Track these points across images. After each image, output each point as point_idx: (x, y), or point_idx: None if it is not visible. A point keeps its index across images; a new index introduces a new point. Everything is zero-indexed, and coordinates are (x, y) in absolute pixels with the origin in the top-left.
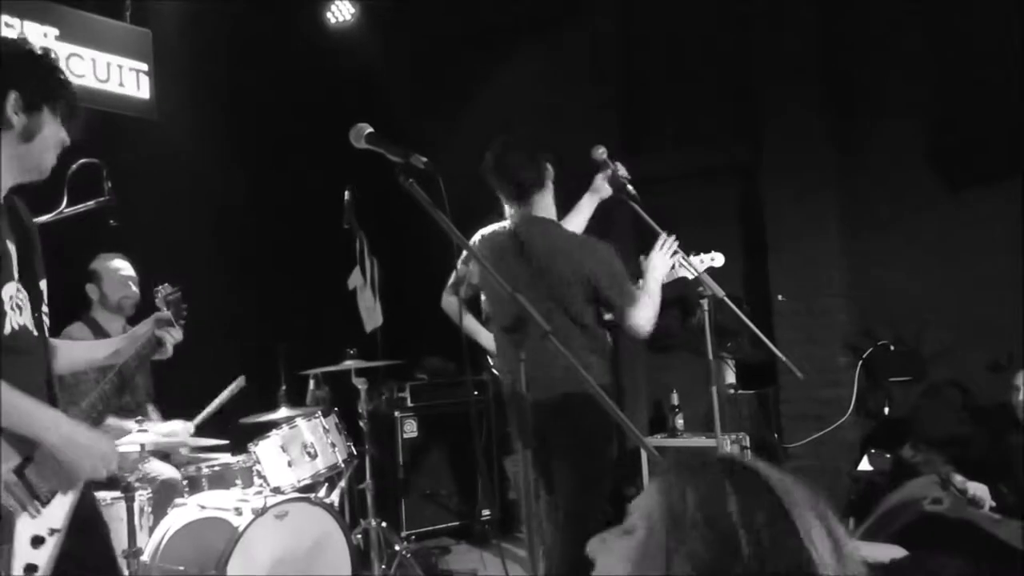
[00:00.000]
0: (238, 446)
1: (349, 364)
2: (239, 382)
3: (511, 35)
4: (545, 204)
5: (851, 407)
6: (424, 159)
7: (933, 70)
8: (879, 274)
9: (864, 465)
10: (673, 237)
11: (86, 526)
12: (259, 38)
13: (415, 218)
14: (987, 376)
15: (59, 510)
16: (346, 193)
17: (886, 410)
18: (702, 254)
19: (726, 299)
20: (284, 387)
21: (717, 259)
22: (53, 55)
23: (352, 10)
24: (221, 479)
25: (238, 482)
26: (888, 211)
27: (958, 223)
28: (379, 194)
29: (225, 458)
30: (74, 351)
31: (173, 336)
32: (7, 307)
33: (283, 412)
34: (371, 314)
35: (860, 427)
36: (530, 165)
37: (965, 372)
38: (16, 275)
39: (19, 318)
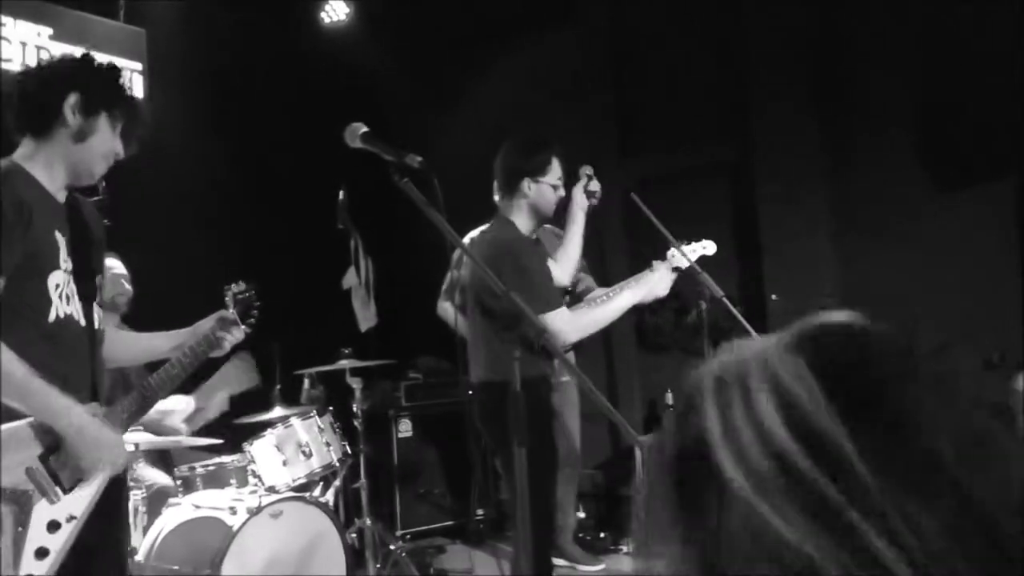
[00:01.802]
0: (232, 445)
1: (344, 364)
2: (244, 363)
3: (504, 35)
4: (511, 209)
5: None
6: (419, 159)
7: (923, 71)
8: (871, 274)
9: None
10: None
11: (105, 519)
12: (253, 37)
13: (409, 218)
14: (980, 375)
15: (81, 499)
16: (340, 193)
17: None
18: (693, 243)
19: (724, 299)
20: (279, 386)
21: (709, 247)
22: (120, 72)
23: (346, 10)
24: (215, 478)
25: (233, 481)
26: (880, 211)
27: (949, 223)
28: (373, 194)
29: (219, 457)
30: (137, 343)
31: (235, 336)
32: (53, 295)
33: (278, 411)
34: (366, 314)
35: None
36: (500, 177)
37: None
38: (64, 266)
39: (66, 307)
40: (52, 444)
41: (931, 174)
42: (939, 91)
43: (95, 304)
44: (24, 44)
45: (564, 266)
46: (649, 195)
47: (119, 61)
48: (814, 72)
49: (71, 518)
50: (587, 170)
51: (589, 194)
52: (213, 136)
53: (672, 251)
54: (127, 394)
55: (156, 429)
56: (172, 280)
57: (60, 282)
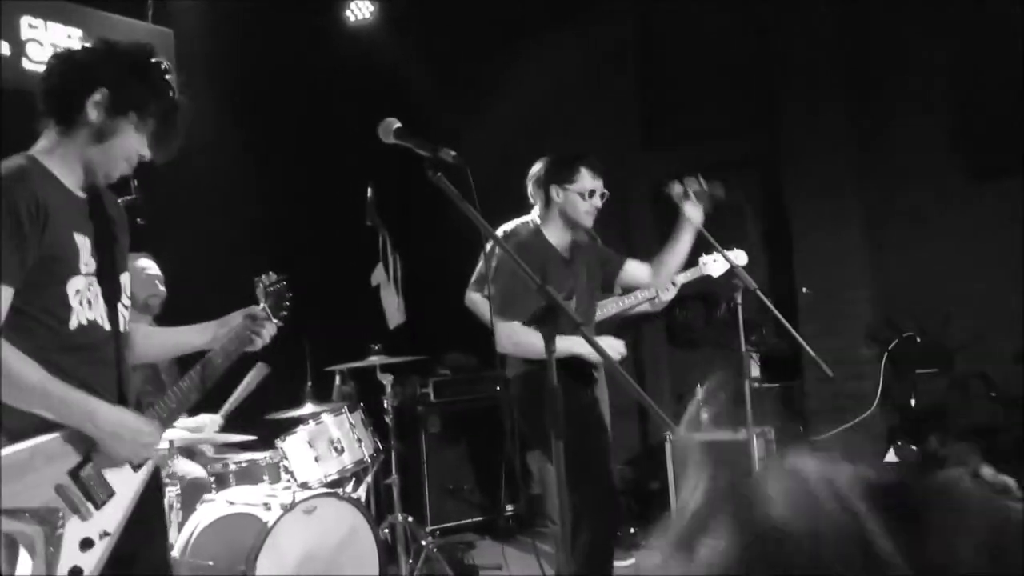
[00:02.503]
0: (265, 442)
1: (374, 360)
2: (260, 368)
3: (528, 31)
4: (544, 217)
5: (877, 399)
6: (453, 153)
7: (955, 60)
8: (903, 265)
9: (890, 457)
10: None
11: (143, 530)
12: (279, 37)
13: (437, 214)
14: (1014, 366)
15: (114, 513)
16: (368, 190)
17: (912, 402)
18: (725, 252)
19: (759, 292)
20: (310, 383)
21: (740, 257)
22: (166, 69)
23: (371, 8)
24: (248, 475)
25: (265, 478)
26: (911, 202)
27: (982, 213)
28: (401, 191)
29: (252, 454)
30: (165, 337)
31: (268, 331)
32: (72, 302)
33: (309, 408)
34: (394, 310)
35: (886, 419)
36: (530, 185)
37: (991, 363)
38: (86, 269)
39: (88, 313)
40: (84, 455)
41: (965, 163)
42: (972, 79)
43: (119, 305)
44: (55, 46)
45: (659, 275)
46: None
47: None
48: (844, 61)
49: (105, 534)
50: (693, 184)
51: (705, 197)
52: (240, 135)
53: (703, 258)
54: (158, 390)
55: (189, 447)
56: (200, 279)
57: (80, 287)
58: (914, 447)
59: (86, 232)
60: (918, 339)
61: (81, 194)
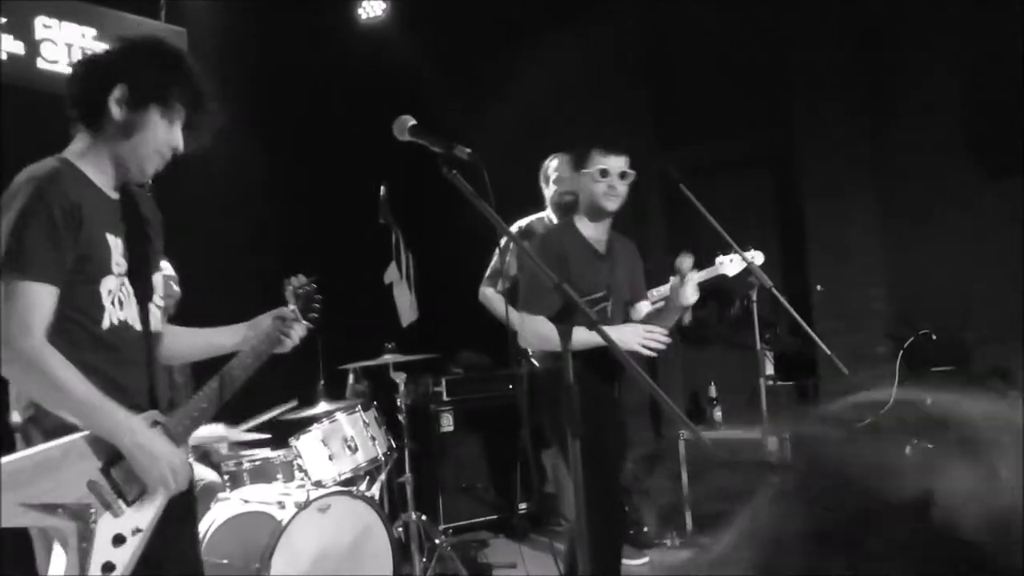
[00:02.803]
0: (279, 440)
1: (388, 358)
2: (292, 403)
3: (541, 28)
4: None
5: (892, 398)
6: (468, 150)
7: (970, 57)
8: (919, 263)
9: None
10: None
11: (174, 529)
12: (291, 35)
13: (450, 212)
14: None
15: (146, 510)
16: (381, 188)
17: (928, 400)
18: (741, 252)
19: (774, 290)
20: (323, 382)
21: (757, 258)
22: (186, 58)
23: (383, 6)
24: (262, 473)
25: (279, 476)
26: (927, 199)
27: (997, 210)
28: (414, 189)
29: (266, 452)
30: (196, 338)
31: (298, 332)
32: (105, 301)
33: (323, 406)
34: (407, 309)
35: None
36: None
37: (1009, 360)
38: (118, 269)
39: (120, 313)
40: (114, 455)
41: (979, 161)
42: (986, 76)
43: (151, 305)
44: (69, 45)
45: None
46: (689, 187)
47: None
48: (858, 59)
49: (137, 531)
50: (687, 263)
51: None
52: (253, 133)
53: (720, 258)
54: (173, 391)
55: (202, 447)
56: (212, 277)
57: (112, 287)
58: (931, 445)
59: (118, 233)
60: (934, 336)
61: (114, 195)
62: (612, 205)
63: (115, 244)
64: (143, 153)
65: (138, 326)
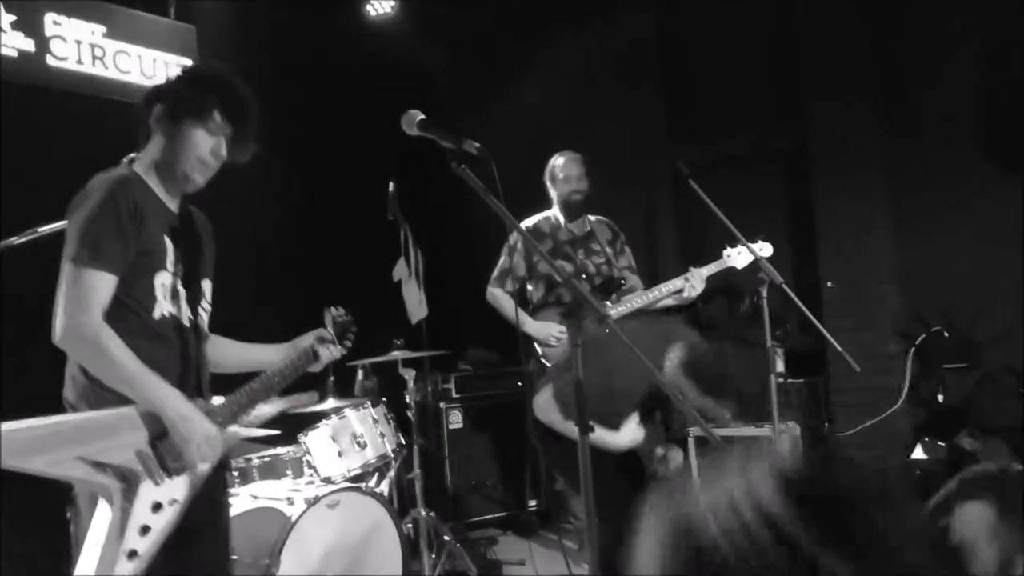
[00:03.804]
0: (288, 437)
1: (396, 355)
2: (310, 395)
3: (551, 24)
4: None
5: (903, 395)
6: (477, 145)
7: (984, 51)
8: (930, 259)
9: (918, 454)
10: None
11: (207, 506)
12: (300, 32)
13: (459, 209)
14: None
15: (183, 484)
16: (390, 185)
17: (940, 398)
18: (748, 243)
19: (784, 286)
20: (332, 378)
21: (765, 249)
22: (226, 70)
23: (391, 3)
24: (272, 469)
25: (289, 472)
26: (939, 195)
27: (1010, 206)
28: (423, 185)
29: (275, 449)
30: (241, 351)
31: (332, 353)
32: (158, 293)
33: (332, 403)
34: (416, 305)
35: (913, 415)
36: None
37: (1021, 357)
38: (171, 268)
39: (170, 307)
40: (160, 431)
41: (993, 158)
42: (1000, 71)
43: (200, 307)
44: (79, 42)
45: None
46: (700, 182)
47: (170, 58)
48: (870, 55)
49: (173, 501)
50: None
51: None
52: (261, 130)
53: (728, 251)
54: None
55: None
56: (221, 272)
57: (166, 282)
58: (942, 443)
59: (173, 239)
60: (946, 333)
61: (173, 207)
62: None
63: (170, 247)
64: (185, 162)
65: (186, 322)
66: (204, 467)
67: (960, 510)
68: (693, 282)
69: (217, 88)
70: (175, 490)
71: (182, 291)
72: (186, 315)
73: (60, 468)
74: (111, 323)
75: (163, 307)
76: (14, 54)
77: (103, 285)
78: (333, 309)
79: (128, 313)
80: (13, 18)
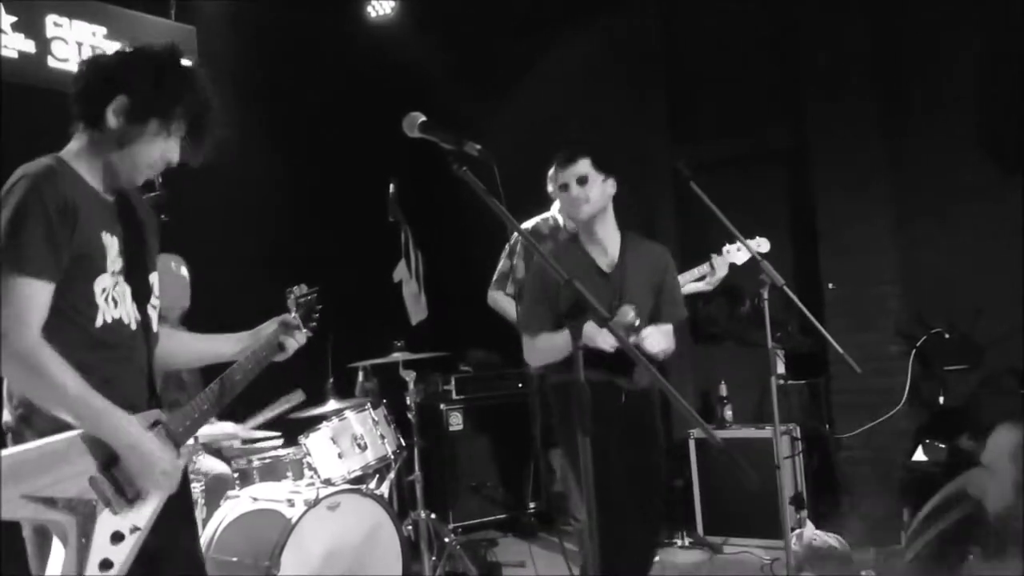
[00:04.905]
0: (288, 438)
1: (397, 356)
2: (296, 394)
3: (553, 24)
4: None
5: (905, 396)
6: (478, 146)
7: (985, 53)
8: (932, 260)
9: (919, 456)
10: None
11: (171, 527)
12: (301, 33)
13: (459, 211)
14: None
15: (145, 509)
16: (390, 186)
17: (941, 399)
18: (748, 240)
19: (785, 288)
20: (332, 380)
21: (763, 245)
22: (194, 73)
23: (392, 4)
24: (272, 471)
25: (289, 474)
26: (940, 196)
27: (1012, 207)
28: (423, 187)
29: (276, 451)
30: (196, 345)
31: (297, 340)
32: (99, 299)
33: (332, 404)
34: (416, 306)
35: (914, 417)
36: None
37: (1022, 358)
38: (113, 268)
39: (114, 311)
40: (112, 454)
41: (994, 158)
42: (1001, 73)
43: (148, 305)
44: (80, 44)
45: None
46: (702, 182)
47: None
48: (872, 54)
49: (135, 529)
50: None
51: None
52: (262, 131)
53: (727, 247)
54: (182, 392)
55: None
56: (220, 274)
57: (107, 286)
58: (943, 445)
59: (114, 232)
60: (947, 335)
61: (109, 196)
62: (580, 213)
63: (110, 243)
64: (135, 164)
65: (133, 325)
66: (160, 495)
67: (992, 434)
68: (718, 267)
69: (186, 89)
70: (136, 516)
71: (127, 290)
72: (133, 317)
73: (4, 510)
74: (48, 336)
75: (106, 313)
76: (15, 55)
77: (38, 296)
78: (296, 288)
79: (67, 324)
80: (14, 19)
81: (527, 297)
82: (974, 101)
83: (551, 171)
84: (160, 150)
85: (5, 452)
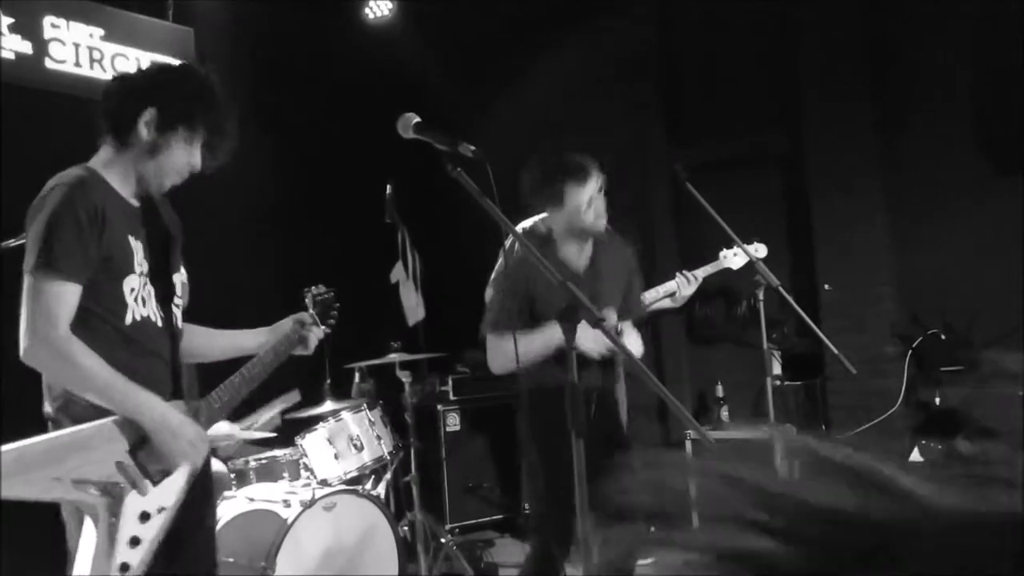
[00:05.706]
0: (285, 439)
1: (394, 357)
2: (292, 394)
3: (550, 26)
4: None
5: (900, 397)
6: (472, 147)
7: (980, 54)
8: (928, 262)
9: (915, 456)
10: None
11: (196, 508)
12: (298, 35)
13: (456, 212)
14: None
15: (169, 490)
16: (387, 187)
17: (937, 400)
18: (745, 244)
19: (780, 289)
20: (329, 380)
21: (760, 250)
22: (214, 85)
23: (389, 5)
24: (268, 472)
25: (285, 475)
26: (936, 198)
27: (1007, 209)
28: (420, 188)
29: (272, 451)
30: (219, 339)
31: (316, 335)
32: (128, 299)
33: (329, 405)
34: (413, 307)
35: (910, 418)
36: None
37: (1019, 360)
38: (140, 269)
39: (142, 310)
40: (139, 439)
41: (989, 158)
42: (995, 73)
43: (173, 304)
44: (77, 45)
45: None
46: (698, 185)
47: (167, 60)
48: (867, 57)
49: (161, 509)
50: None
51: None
52: (260, 133)
53: (724, 252)
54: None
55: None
56: (220, 275)
57: (135, 286)
58: (939, 446)
59: (140, 236)
60: (943, 336)
61: (135, 203)
62: (603, 222)
63: (136, 247)
64: (165, 171)
65: (160, 323)
66: (191, 469)
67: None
68: (684, 284)
69: (208, 100)
70: (162, 497)
71: (153, 291)
72: (159, 315)
73: (37, 491)
74: (80, 333)
75: (135, 311)
76: (12, 57)
77: (67, 296)
78: (313, 288)
79: (98, 322)
80: (11, 20)
81: (499, 295)
82: (970, 103)
83: (568, 186)
84: (186, 157)
85: (40, 438)
